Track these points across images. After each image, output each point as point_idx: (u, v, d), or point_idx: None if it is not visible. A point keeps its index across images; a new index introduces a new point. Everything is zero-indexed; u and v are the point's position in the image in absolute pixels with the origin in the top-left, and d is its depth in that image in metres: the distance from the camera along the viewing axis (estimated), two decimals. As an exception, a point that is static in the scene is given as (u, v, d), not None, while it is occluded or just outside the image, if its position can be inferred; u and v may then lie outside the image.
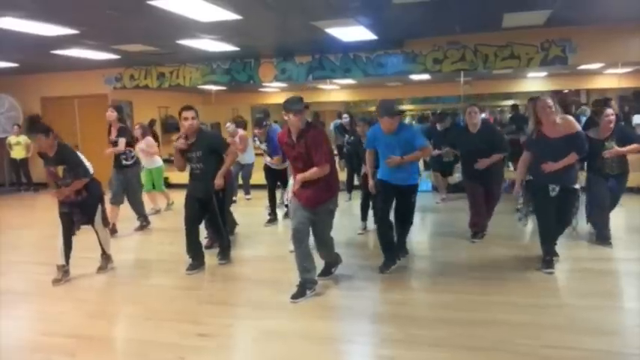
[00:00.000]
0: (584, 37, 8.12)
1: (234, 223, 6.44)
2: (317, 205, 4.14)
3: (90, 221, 4.81)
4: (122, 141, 6.56)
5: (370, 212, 6.57)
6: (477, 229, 5.86)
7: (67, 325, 3.89)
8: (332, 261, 4.67)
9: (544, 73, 11.36)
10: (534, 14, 6.95)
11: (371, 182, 5.02)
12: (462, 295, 4.25)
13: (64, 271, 4.79)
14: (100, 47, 8.35)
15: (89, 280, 4.90)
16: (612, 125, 5.04)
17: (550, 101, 4.44)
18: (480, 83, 11.40)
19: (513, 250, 5.46)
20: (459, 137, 6.02)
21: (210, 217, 5.28)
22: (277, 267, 5.11)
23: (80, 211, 4.68)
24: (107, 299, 4.48)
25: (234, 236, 6.20)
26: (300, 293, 4.17)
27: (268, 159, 6.92)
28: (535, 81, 12.01)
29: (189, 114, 4.79)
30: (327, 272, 4.64)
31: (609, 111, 5.05)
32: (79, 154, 4.86)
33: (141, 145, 7.85)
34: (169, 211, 8.11)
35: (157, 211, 8.01)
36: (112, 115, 6.59)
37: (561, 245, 4.90)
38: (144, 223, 7.04)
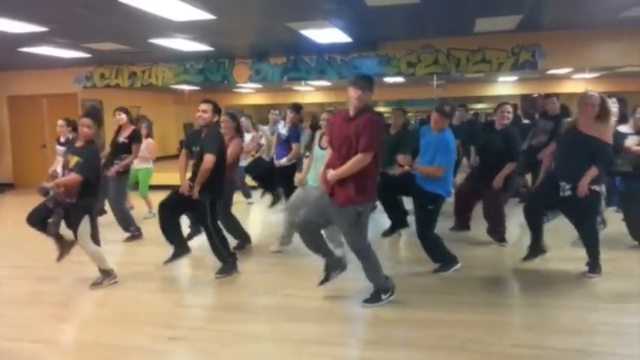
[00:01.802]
0: (553, 43, 8.30)
1: (238, 232, 5.76)
2: (344, 203, 3.72)
3: (72, 229, 4.40)
4: (135, 148, 6.23)
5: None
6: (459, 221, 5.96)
7: (33, 330, 3.78)
8: (375, 284, 4.05)
9: (514, 77, 11.63)
10: (506, 19, 7.08)
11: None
12: (434, 295, 4.30)
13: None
14: (69, 45, 8.16)
15: (58, 285, 4.77)
16: None
17: (595, 102, 4.28)
18: (452, 86, 11.59)
19: (486, 249, 5.54)
20: (481, 132, 5.85)
21: (200, 223, 5.11)
22: (253, 269, 5.07)
23: (64, 215, 4.39)
24: (76, 303, 4.37)
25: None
26: (326, 277, 4.07)
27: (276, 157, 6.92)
28: (506, 85, 12.28)
29: (201, 107, 4.73)
30: (375, 298, 4.00)
31: None
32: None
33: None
34: (149, 218, 7.38)
35: (131, 207, 7.63)
36: (123, 118, 6.22)
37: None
38: (135, 232, 6.34)
